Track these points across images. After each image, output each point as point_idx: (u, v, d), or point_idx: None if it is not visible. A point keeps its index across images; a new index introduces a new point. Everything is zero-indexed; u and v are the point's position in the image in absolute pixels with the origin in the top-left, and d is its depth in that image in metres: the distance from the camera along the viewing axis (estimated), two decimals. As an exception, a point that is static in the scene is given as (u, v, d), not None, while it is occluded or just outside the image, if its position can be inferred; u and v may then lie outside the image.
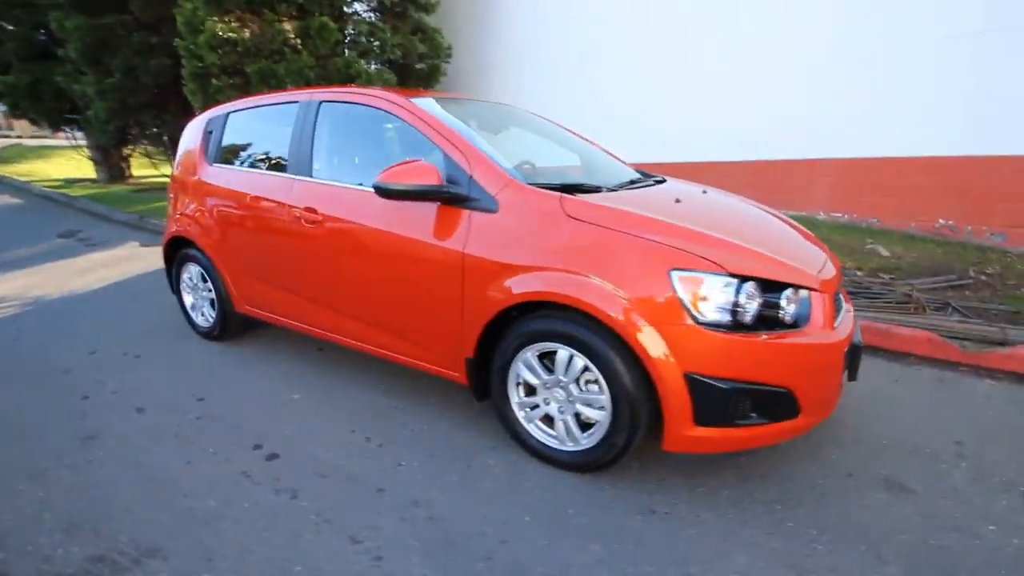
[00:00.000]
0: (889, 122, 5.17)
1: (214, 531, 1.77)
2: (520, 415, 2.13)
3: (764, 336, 1.73)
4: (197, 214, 3.21)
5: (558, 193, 2.02)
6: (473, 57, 9.77)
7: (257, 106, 3.12)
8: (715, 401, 1.72)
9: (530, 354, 2.02)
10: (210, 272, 3.22)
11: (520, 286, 1.94)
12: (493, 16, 9.41)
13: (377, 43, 7.68)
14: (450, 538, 1.72)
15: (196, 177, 3.26)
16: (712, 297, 1.71)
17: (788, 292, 1.77)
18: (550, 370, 2.00)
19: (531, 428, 2.12)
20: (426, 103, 2.48)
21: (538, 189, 2.04)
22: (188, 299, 3.52)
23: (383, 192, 2.12)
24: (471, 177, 2.11)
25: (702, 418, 1.75)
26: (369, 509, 1.86)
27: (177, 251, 3.45)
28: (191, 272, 3.40)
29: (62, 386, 2.84)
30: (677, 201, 2.23)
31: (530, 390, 2.10)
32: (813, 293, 1.85)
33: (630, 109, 7.32)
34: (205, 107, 8.18)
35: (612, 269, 1.79)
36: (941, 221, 5.01)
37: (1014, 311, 3.50)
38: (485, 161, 2.14)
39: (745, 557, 1.63)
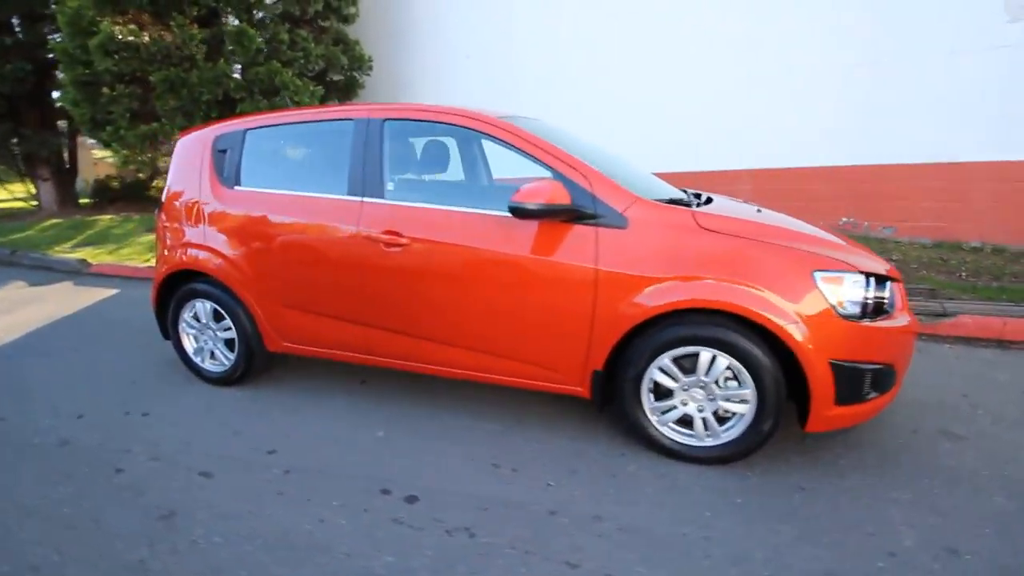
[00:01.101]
0: (797, 138, 6.12)
1: (414, 586, 1.63)
2: (653, 419, 2.24)
3: (879, 323, 2.05)
4: (213, 243, 2.83)
5: (687, 208, 2.18)
6: (391, 70, 9.56)
7: (286, 123, 2.85)
8: (851, 382, 2.00)
9: (667, 359, 2.14)
10: (230, 308, 2.85)
11: (664, 296, 2.06)
12: (413, 29, 9.30)
13: (300, 53, 7.20)
14: (658, 543, 1.78)
15: (209, 202, 2.87)
16: (849, 293, 1.98)
17: (890, 284, 2.12)
18: (685, 372, 2.14)
19: (664, 430, 2.23)
20: (513, 122, 2.48)
21: (667, 205, 2.19)
22: (190, 343, 3.07)
23: (520, 212, 2.11)
24: (593, 195, 2.19)
25: (841, 399, 2.01)
26: (558, 532, 1.84)
27: (174, 289, 3.00)
28: (198, 311, 2.97)
29: (75, 462, 2.34)
30: (758, 211, 2.51)
31: (660, 394, 2.22)
32: (896, 283, 2.23)
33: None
34: (93, 120, 7.03)
35: (760, 275, 1.99)
36: (844, 219, 6.04)
37: (930, 288, 4.38)
38: (605, 179, 2.22)
39: (897, 511, 1.91)
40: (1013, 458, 2.22)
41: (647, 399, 2.22)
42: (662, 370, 2.16)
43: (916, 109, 5.43)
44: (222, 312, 2.91)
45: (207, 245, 2.85)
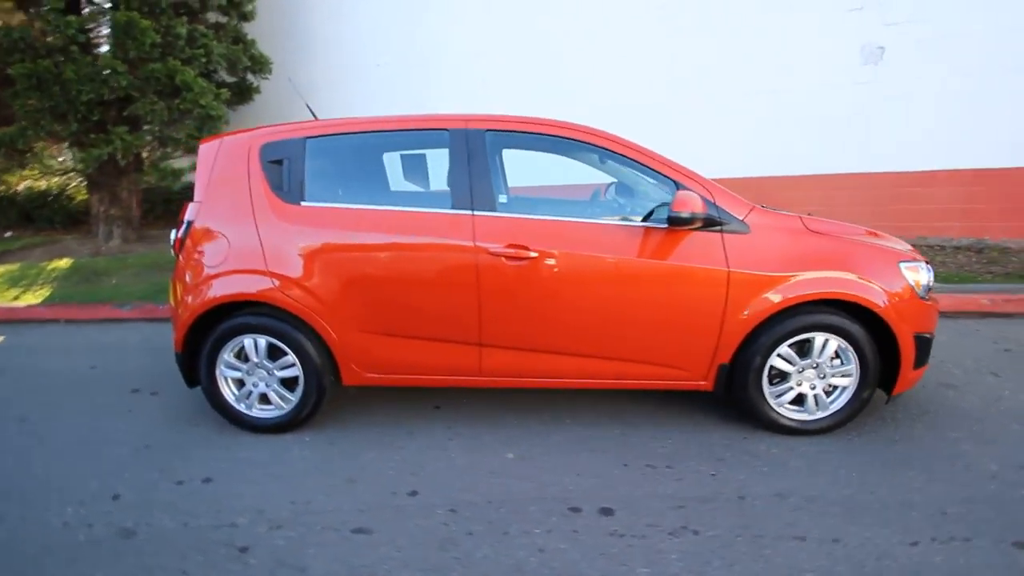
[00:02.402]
0: (708, 153, 7.05)
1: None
2: (772, 402, 2.50)
3: (929, 300, 2.57)
4: (277, 268, 2.43)
5: (795, 213, 2.49)
6: (290, 76, 8.78)
7: (356, 132, 2.57)
8: (922, 350, 2.48)
9: (786, 347, 2.43)
10: (294, 341, 2.48)
11: (790, 291, 2.33)
12: (312, 33, 8.67)
13: (201, 50, 6.32)
14: (847, 505, 2.01)
15: (267, 220, 2.46)
16: (921, 278, 2.46)
17: (930, 268, 2.66)
18: (801, 356, 2.45)
19: (782, 411, 2.51)
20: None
21: (777, 211, 2.47)
22: (229, 388, 2.58)
23: (677, 221, 2.23)
24: (716, 204, 2.39)
25: (917, 364, 2.48)
26: (761, 513, 1.98)
27: (209, 326, 2.51)
28: (246, 348, 2.52)
29: (173, 553, 1.85)
30: (809, 214, 2.94)
31: (776, 379, 2.49)
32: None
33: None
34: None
35: (863, 268, 2.37)
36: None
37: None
38: (723, 190, 2.44)
39: (967, 443, 2.42)
40: (999, 398, 2.92)
41: (766, 384, 2.49)
42: (781, 356, 2.44)
43: (801, 131, 6.63)
44: (281, 347, 2.51)
45: (269, 270, 2.44)
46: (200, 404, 2.91)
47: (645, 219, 2.42)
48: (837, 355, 2.45)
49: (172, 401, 3.04)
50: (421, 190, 2.68)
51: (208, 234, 2.51)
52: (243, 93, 7.85)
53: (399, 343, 2.51)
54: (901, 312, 2.39)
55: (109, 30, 5.58)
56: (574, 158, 2.64)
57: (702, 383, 2.51)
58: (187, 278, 2.52)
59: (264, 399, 2.61)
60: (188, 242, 2.53)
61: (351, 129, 2.58)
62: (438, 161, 2.63)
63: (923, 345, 2.46)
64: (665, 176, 2.44)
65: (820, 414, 2.51)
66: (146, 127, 6.56)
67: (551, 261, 2.38)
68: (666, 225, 2.36)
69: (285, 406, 2.60)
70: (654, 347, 2.46)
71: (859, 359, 2.42)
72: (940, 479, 2.17)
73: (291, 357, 2.52)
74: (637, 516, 1.99)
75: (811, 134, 6.59)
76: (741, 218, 2.40)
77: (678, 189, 2.39)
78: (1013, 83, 5.66)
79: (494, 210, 2.44)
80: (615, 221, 2.44)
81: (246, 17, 7.37)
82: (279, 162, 2.52)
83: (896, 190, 6.40)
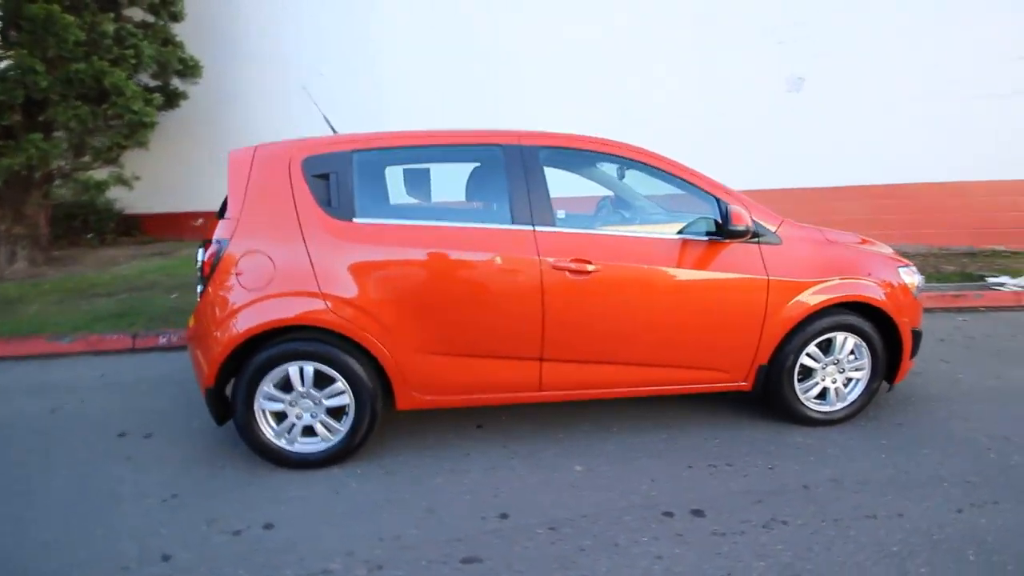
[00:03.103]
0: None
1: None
2: (801, 397, 2.74)
3: (919, 299, 2.97)
4: (331, 288, 2.28)
5: (812, 225, 2.76)
6: (221, 84, 8.14)
7: (405, 146, 2.49)
8: (916, 343, 2.84)
9: (813, 346, 2.68)
10: (345, 366, 2.33)
11: (820, 295, 2.59)
12: (246, 38, 8.14)
13: (130, 51, 5.73)
14: (894, 484, 2.25)
15: (318, 238, 2.29)
16: (914, 280, 2.83)
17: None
18: (825, 354, 2.71)
19: (809, 404, 2.76)
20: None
21: (801, 224, 2.73)
22: (267, 422, 2.36)
23: (733, 234, 2.39)
24: (754, 218, 2.60)
25: (912, 355, 2.84)
26: (830, 500, 2.16)
27: (246, 356, 2.29)
28: (290, 377, 2.33)
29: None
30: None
31: (802, 376, 2.74)
32: (909, 268, 3.19)
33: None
34: None
35: (873, 273, 2.69)
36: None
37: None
38: (757, 205, 2.66)
39: (953, 421, 2.80)
40: (997, 375, 3.41)
41: (796, 382, 2.72)
42: (809, 355, 2.69)
43: (734, 150, 7.29)
44: (330, 374, 2.35)
45: (321, 292, 2.27)
46: (216, 443, 2.65)
47: (682, 231, 2.57)
48: (852, 351, 2.75)
49: (176, 443, 2.71)
50: (482, 205, 2.64)
51: (249, 254, 2.29)
52: (169, 99, 7.17)
53: (459, 362, 2.44)
54: (902, 310, 2.73)
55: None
56: (619, 171, 2.74)
57: (743, 384, 2.70)
58: (226, 302, 2.28)
59: (308, 431, 2.42)
60: (222, 263, 2.29)
61: (400, 143, 2.49)
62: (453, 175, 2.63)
63: (916, 338, 2.84)
64: (706, 192, 2.61)
65: (839, 405, 2.79)
66: (56, 134, 5.77)
67: (609, 274, 2.45)
68: (711, 237, 2.53)
69: (333, 437, 2.42)
70: (702, 352, 2.61)
71: (871, 354, 2.74)
72: (951, 454, 2.50)
73: (341, 384, 2.36)
74: (726, 514, 2.10)
75: (742, 153, 7.25)
76: (774, 230, 2.63)
77: (719, 204, 2.57)
78: (914, 109, 6.64)
79: (553, 225, 2.47)
80: (664, 235, 2.57)
81: (175, 17, 6.77)
82: (325, 176, 2.37)
83: (815, 204, 7.23)
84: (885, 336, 2.74)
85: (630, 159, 2.63)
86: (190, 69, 6.91)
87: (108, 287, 5.54)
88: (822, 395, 2.78)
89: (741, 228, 2.41)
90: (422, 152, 2.55)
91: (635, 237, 2.55)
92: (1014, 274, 5.48)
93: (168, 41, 6.63)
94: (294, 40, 8.27)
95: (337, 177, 2.37)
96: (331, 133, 2.86)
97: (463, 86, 7.71)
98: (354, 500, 2.21)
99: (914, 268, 2.89)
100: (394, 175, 2.57)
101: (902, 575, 1.76)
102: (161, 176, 8.16)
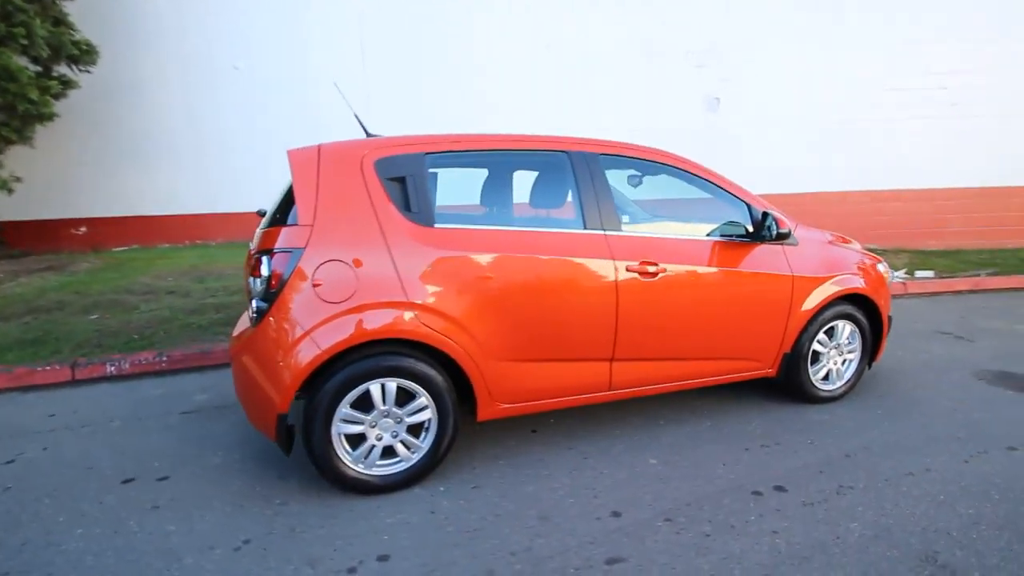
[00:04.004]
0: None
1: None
2: (813, 379, 3.10)
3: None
4: (419, 298, 2.15)
5: (817, 228, 3.13)
6: (117, 74, 7.05)
7: (474, 150, 2.42)
8: (890, 325, 3.37)
9: (822, 333, 3.06)
10: (428, 379, 2.21)
11: (829, 289, 2.97)
12: (145, 25, 7.17)
13: (21, 29, 4.82)
14: (911, 447, 2.65)
15: (403, 245, 2.14)
16: (887, 272, 3.33)
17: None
18: (830, 339, 3.11)
19: (820, 386, 3.13)
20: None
21: (808, 227, 3.09)
22: (343, 447, 2.17)
23: (782, 237, 2.65)
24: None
25: (886, 335, 3.36)
26: (865, 465, 2.49)
27: (322, 376, 2.08)
28: (372, 396, 2.16)
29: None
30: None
31: (812, 360, 3.11)
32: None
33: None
34: None
35: (863, 270, 3.13)
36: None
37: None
38: (775, 210, 2.96)
39: (917, 392, 3.36)
40: (999, 361, 4.07)
41: (809, 365, 3.08)
42: (819, 342, 3.07)
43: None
44: (412, 389, 2.21)
45: (409, 302, 2.13)
46: (254, 478, 2.39)
47: (715, 234, 2.80)
48: (849, 337, 3.18)
49: (202, 483, 2.36)
50: (551, 210, 2.63)
51: (328, 264, 2.07)
52: (63, 86, 6.08)
53: (537, 368, 2.43)
54: (882, 299, 3.23)
55: None
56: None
57: (769, 371, 3.00)
58: (302, 317, 2.04)
59: (387, 452, 2.24)
60: (296, 274, 2.05)
61: (469, 147, 2.42)
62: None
63: (890, 323, 3.36)
64: (737, 197, 2.87)
65: (839, 384, 3.21)
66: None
67: (670, 274, 2.60)
68: (744, 239, 2.79)
69: (414, 456, 2.27)
70: (742, 343, 2.86)
71: (862, 338, 3.19)
72: (932, 417, 3.00)
73: (424, 399, 2.23)
74: (803, 487, 2.33)
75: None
76: (791, 232, 2.97)
77: (750, 209, 2.85)
78: (805, 129, 7.72)
79: (619, 229, 2.56)
80: (711, 237, 2.78)
81: (68, -7, 5.77)
82: (400, 180, 2.23)
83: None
84: (870, 322, 3.22)
85: (672, 166, 2.81)
86: (85, 54, 5.95)
87: (0, 310, 4.56)
88: (826, 376, 3.18)
89: (784, 231, 2.71)
90: (491, 156, 2.50)
91: (685, 239, 2.73)
92: (894, 268, 6.62)
93: (60, 21, 5.63)
94: (208, 30, 7.47)
95: (413, 180, 2.24)
96: (363, 134, 2.68)
97: (398, 81, 7.50)
98: (459, 518, 2.11)
99: (885, 263, 3.42)
100: (464, 178, 2.49)
101: (957, 517, 2.10)
102: (37, 177, 6.89)
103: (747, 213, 2.85)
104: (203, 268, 6.00)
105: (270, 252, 2.10)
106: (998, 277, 6.27)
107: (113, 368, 3.57)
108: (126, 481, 2.38)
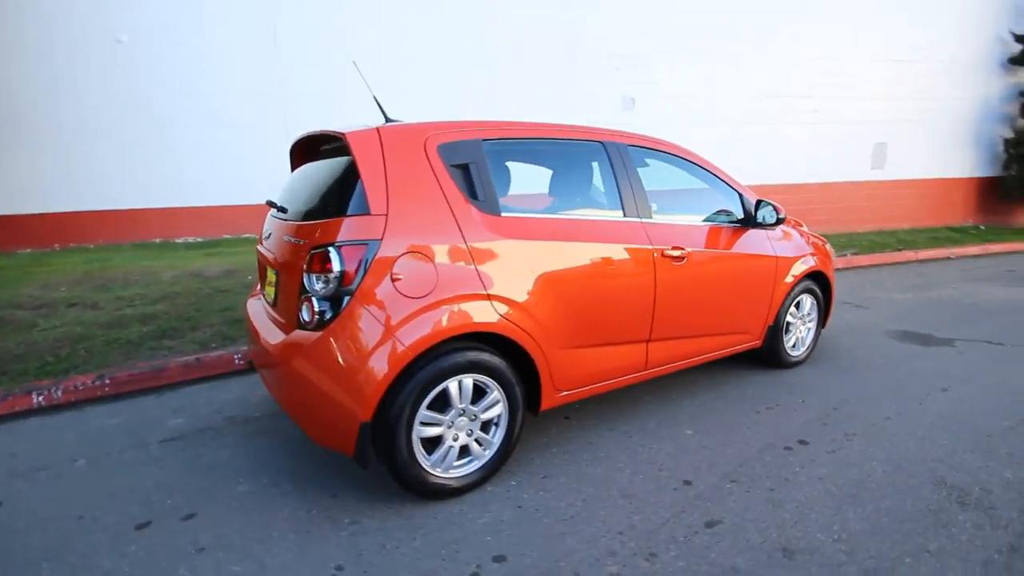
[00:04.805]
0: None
1: None
2: (787, 347, 3.52)
3: (820, 267, 4.06)
4: (496, 290, 2.08)
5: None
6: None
7: (527, 137, 2.40)
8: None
9: (793, 306, 3.49)
10: (499, 373, 2.16)
11: (801, 267, 3.40)
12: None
13: None
14: (886, 394, 3.14)
15: (477, 234, 2.05)
16: (832, 252, 3.87)
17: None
18: (798, 310, 3.55)
19: (791, 352, 3.56)
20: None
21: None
22: (421, 455, 2.04)
23: (780, 222, 2.97)
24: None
25: (833, 303, 3.91)
26: (870, 410, 2.91)
27: (404, 376, 1.94)
28: (449, 394, 2.06)
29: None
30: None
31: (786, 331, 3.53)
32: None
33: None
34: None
35: (816, 249, 3.61)
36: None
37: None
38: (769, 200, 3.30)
39: (859, 350, 3.97)
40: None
41: (784, 335, 3.50)
42: (791, 314, 3.50)
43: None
44: (486, 384, 2.14)
45: (488, 294, 2.04)
46: (302, 500, 2.19)
47: (718, 220, 3.08)
48: (810, 308, 3.65)
49: (240, 515, 2.07)
50: (594, 198, 2.64)
51: (406, 256, 1.91)
52: None
53: (589, 353, 2.47)
54: (831, 273, 3.75)
55: None
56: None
57: (756, 342, 3.35)
58: (384, 315, 1.86)
59: (465, 452, 2.15)
60: (374, 268, 1.86)
61: (520, 134, 2.37)
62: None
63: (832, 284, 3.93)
64: (731, 187, 3.16)
65: (802, 350, 3.67)
66: None
67: (693, 257, 2.79)
68: (737, 225, 3.09)
69: (486, 454, 2.20)
70: (741, 318, 3.17)
71: (818, 308, 3.70)
72: (881, 368, 3.57)
73: (496, 393, 2.17)
74: (818, 438, 2.65)
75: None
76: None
77: (741, 199, 3.15)
78: (702, 130, 8.54)
79: (651, 217, 2.69)
80: (721, 223, 3.03)
81: None
82: (464, 166, 2.13)
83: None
84: (823, 293, 3.74)
85: (682, 157, 3.00)
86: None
87: None
88: (794, 344, 3.63)
89: (782, 216, 3.04)
90: (539, 144, 2.46)
91: (698, 225, 2.94)
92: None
93: None
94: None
95: (476, 167, 2.15)
96: (383, 117, 2.52)
97: (316, 65, 6.99)
98: (549, 509, 2.09)
99: (829, 243, 3.98)
100: (518, 166, 2.42)
101: (939, 448, 2.55)
102: None
103: (739, 201, 3.16)
104: (99, 274, 5.08)
105: (336, 245, 1.89)
106: (863, 256, 7.56)
107: (42, 398, 2.92)
108: (141, 526, 1.99)
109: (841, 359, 3.80)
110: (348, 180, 2.03)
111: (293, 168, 2.81)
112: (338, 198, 2.03)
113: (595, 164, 2.67)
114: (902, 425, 2.79)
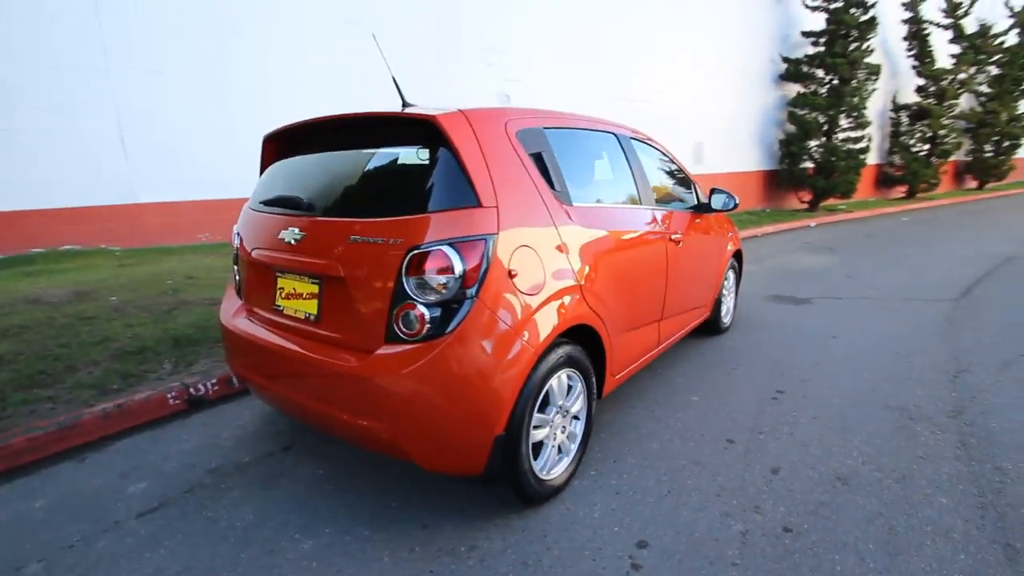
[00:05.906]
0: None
1: None
2: (723, 315, 4.06)
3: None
4: (584, 280, 2.05)
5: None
6: None
7: (574, 127, 2.45)
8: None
9: (732, 276, 4.05)
10: (582, 365, 2.16)
11: (732, 245, 3.95)
12: None
13: None
14: (850, 349, 3.82)
15: (564, 224, 1.98)
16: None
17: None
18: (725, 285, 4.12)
19: (724, 319, 4.11)
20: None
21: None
22: (530, 460, 1.94)
23: (735, 207, 3.37)
24: (716, 196, 3.68)
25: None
26: (848, 362, 3.52)
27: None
28: (553, 389, 2.01)
29: None
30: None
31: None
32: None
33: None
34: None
35: (733, 230, 4.22)
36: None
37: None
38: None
39: (791, 317, 4.75)
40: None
41: (721, 305, 4.03)
42: (724, 286, 4.05)
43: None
44: (571, 377, 2.10)
45: (579, 285, 1.99)
46: (398, 540, 1.96)
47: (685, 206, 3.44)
48: (733, 280, 4.27)
49: (343, 574, 1.71)
50: (619, 187, 2.65)
51: (519, 250, 1.76)
52: None
53: (631, 337, 2.58)
54: (742, 250, 4.44)
55: None
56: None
57: (708, 314, 3.81)
58: (507, 314, 1.69)
59: (560, 448, 2.08)
60: (494, 266, 1.67)
61: (572, 124, 2.39)
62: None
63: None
64: (687, 176, 3.53)
65: (728, 317, 4.29)
66: None
67: (685, 240, 3.08)
68: (695, 210, 3.48)
69: (572, 447, 2.17)
70: (704, 293, 3.60)
71: (736, 276, 4.34)
72: (785, 329, 4.32)
73: (580, 384, 2.15)
74: (795, 388, 3.13)
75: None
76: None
77: (694, 188, 3.55)
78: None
79: (653, 204, 2.88)
80: (686, 209, 3.35)
81: None
82: (538, 155, 2.03)
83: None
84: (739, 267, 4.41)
85: (661, 152, 3.26)
86: None
87: None
88: (726, 312, 4.21)
89: (737, 202, 3.48)
90: (580, 134, 2.43)
91: (681, 211, 3.23)
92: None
93: None
94: None
95: (546, 155, 2.07)
96: (400, 101, 2.30)
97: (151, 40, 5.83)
98: (646, 489, 2.15)
99: (733, 226, 4.67)
100: (568, 156, 2.34)
101: (876, 374, 3.25)
102: None
103: (694, 188, 3.55)
104: None
105: (451, 243, 1.66)
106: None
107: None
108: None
109: (750, 321, 4.52)
110: (429, 169, 1.79)
111: (267, 163, 2.37)
112: (419, 189, 1.77)
113: (615, 154, 2.76)
114: (829, 368, 3.46)
